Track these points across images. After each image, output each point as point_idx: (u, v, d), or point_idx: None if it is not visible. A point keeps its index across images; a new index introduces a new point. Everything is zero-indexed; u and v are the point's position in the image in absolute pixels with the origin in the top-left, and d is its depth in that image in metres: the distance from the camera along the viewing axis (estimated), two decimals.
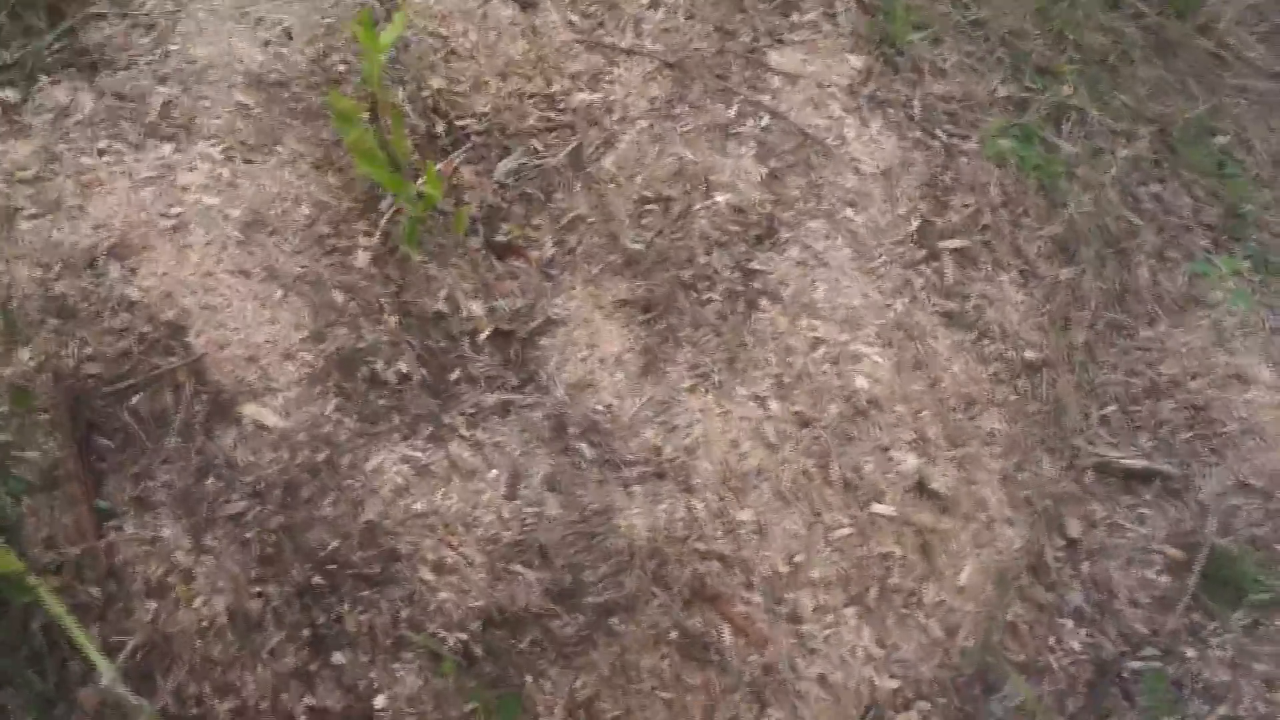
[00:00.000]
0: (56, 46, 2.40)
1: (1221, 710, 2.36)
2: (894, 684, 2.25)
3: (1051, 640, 2.40)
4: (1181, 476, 2.61)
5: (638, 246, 2.47)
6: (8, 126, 2.30)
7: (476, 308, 2.35)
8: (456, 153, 2.48)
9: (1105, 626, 2.43)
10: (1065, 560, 2.48)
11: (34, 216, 2.22)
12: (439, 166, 2.38)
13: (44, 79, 2.37)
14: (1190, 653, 2.43)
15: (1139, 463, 2.61)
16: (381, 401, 2.22)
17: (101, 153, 2.30)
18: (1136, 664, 2.40)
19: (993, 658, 2.32)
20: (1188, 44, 3.17)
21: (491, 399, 2.27)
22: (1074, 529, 2.50)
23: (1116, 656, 2.40)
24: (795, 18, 2.83)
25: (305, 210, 2.33)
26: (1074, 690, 2.35)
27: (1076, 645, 2.40)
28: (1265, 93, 3.20)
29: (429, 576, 2.09)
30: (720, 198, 2.54)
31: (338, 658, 2.01)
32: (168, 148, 2.33)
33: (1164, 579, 2.50)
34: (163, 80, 2.41)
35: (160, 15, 2.48)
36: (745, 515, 2.26)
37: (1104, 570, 2.49)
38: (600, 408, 2.31)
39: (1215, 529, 2.55)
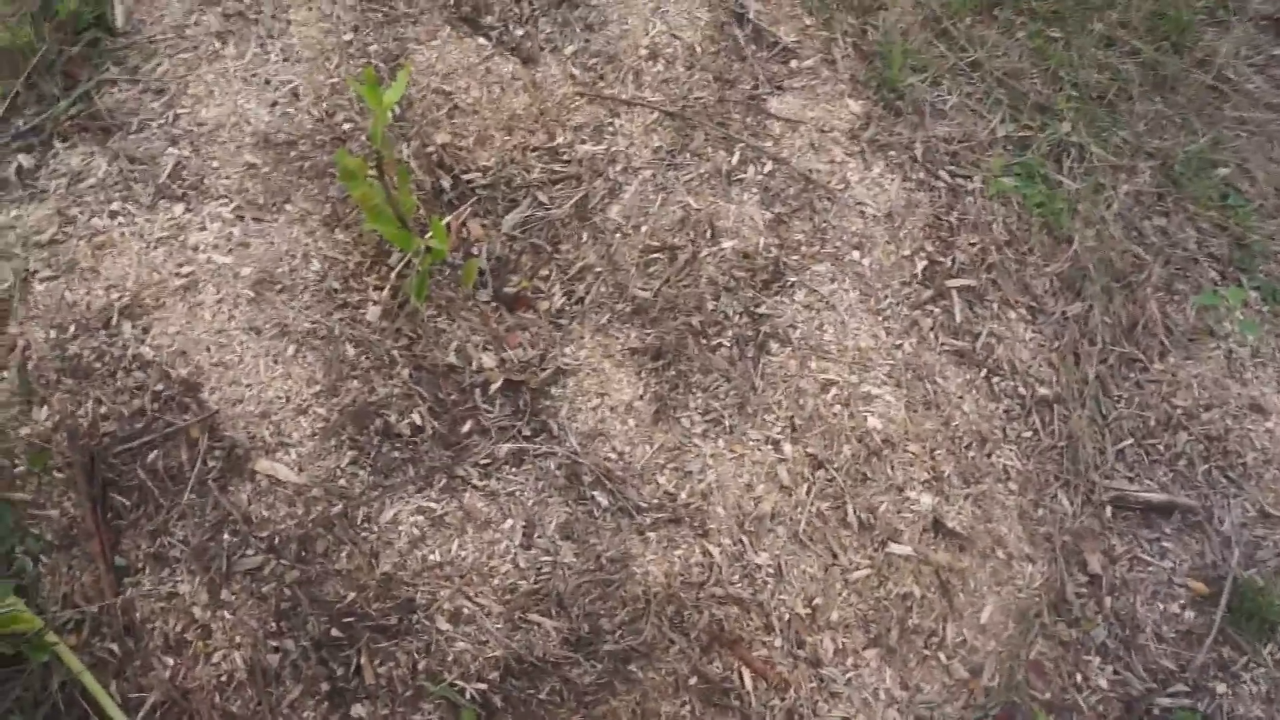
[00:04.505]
0: (71, 112, 2.46)
1: None
2: None
3: (1078, 678, 2.36)
4: (1202, 509, 2.58)
5: (646, 294, 2.49)
6: (24, 191, 2.35)
7: (487, 359, 2.36)
8: (463, 206, 2.51)
9: (1132, 663, 2.39)
10: (1088, 596, 2.44)
11: (49, 279, 2.26)
12: (446, 220, 2.40)
13: (59, 144, 2.42)
14: (1221, 688, 2.39)
15: (1158, 496, 2.58)
16: (395, 454, 2.23)
17: (114, 214, 2.34)
18: (1166, 700, 2.35)
19: (1019, 697, 2.28)
20: (1185, 78, 3.19)
21: (504, 449, 2.28)
22: (1095, 564, 2.47)
23: (1145, 693, 2.36)
24: (794, 64, 2.87)
25: (315, 267, 2.36)
26: None
27: (1104, 682, 2.37)
28: (1265, 123, 3.21)
29: (446, 627, 2.08)
30: (726, 244, 2.56)
31: (357, 710, 2.00)
32: (179, 208, 2.37)
33: (1189, 613, 2.47)
34: (174, 142, 2.46)
35: (171, 79, 2.54)
36: (762, 559, 2.25)
37: (1128, 605, 2.46)
38: (613, 455, 2.31)
39: (1239, 560, 2.51)
